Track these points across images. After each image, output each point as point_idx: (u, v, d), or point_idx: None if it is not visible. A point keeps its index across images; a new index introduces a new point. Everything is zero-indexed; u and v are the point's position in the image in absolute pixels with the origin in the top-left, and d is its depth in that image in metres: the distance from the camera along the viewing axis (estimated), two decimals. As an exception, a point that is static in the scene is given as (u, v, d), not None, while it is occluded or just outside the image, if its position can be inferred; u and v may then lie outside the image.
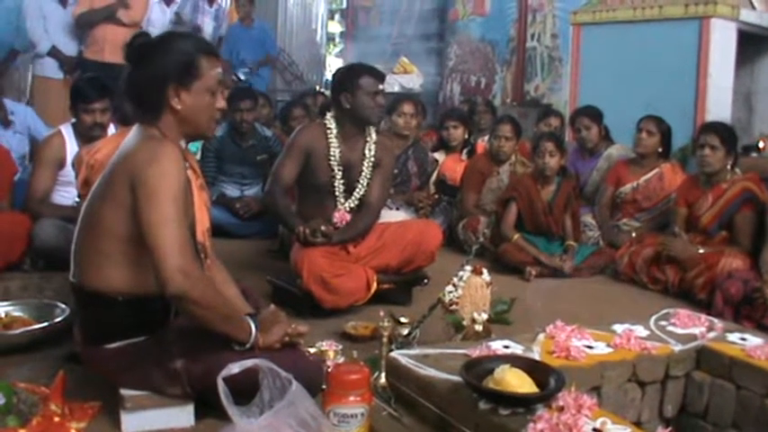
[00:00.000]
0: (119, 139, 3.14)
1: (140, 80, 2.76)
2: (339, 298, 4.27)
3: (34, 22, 7.71)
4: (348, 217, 4.57)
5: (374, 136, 4.68)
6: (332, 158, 4.55)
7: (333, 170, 4.56)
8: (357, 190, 4.62)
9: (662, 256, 5.27)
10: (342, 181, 4.58)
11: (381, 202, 4.79)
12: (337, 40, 15.11)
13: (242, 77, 9.20)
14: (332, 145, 4.56)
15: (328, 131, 4.59)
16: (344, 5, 14.85)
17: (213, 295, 2.61)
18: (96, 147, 3.94)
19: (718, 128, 5.32)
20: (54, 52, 7.77)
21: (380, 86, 4.58)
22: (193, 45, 2.81)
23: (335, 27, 15.05)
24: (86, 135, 4.88)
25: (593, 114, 6.62)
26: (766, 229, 4.80)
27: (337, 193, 4.59)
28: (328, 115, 4.68)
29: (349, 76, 4.59)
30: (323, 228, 4.40)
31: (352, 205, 4.63)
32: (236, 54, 9.46)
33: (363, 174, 4.62)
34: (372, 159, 4.63)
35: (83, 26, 7.85)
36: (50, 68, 7.87)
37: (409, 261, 4.58)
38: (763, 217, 4.91)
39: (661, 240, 5.31)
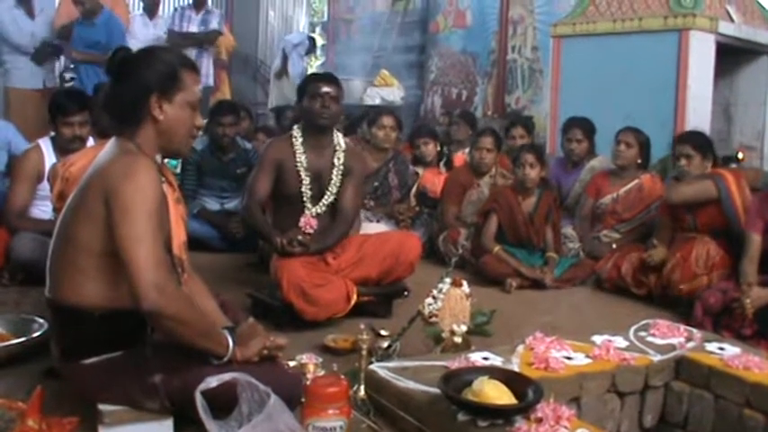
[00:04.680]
0: (94, 152, 3.13)
1: (122, 92, 2.75)
2: (319, 309, 4.25)
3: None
4: (314, 222, 4.60)
5: (343, 144, 4.74)
6: (298, 165, 4.60)
7: (300, 177, 4.61)
8: (326, 197, 4.66)
9: (645, 264, 5.30)
10: (309, 187, 4.62)
11: (355, 209, 4.82)
12: (318, 52, 15.14)
13: (66, 78, 7.99)
14: (297, 152, 4.62)
15: (294, 140, 4.66)
16: (326, 18, 14.90)
17: (189, 310, 2.58)
18: (71, 160, 3.94)
19: (689, 137, 5.44)
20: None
21: (324, 89, 4.61)
22: (176, 58, 2.82)
23: (317, 39, 15.06)
24: (66, 148, 4.87)
25: (587, 129, 6.62)
26: (730, 218, 4.91)
27: (305, 199, 4.63)
28: (295, 126, 4.77)
29: (303, 84, 4.75)
30: (299, 237, 4.41)
31: (320, 211, 4.65)
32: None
33: (333, 182, 4.66)
34: (342, 167, 4.68)
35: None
36: (26, 79, 7.86)
37: (389, 272, 4.57)
38: (730, 206, 5.05)
39: (644, 257, 5.32)
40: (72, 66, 7.92)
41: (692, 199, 5.18)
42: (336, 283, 4.38)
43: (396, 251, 4.58)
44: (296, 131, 4.70)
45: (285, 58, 12.05)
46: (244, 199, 4.72)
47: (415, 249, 4.69)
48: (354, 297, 4.38)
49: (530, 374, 2.82)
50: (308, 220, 4.59)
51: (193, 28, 9.45)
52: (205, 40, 9.49)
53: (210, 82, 9.66)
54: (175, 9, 9.70)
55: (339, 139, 4.74)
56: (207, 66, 9.40)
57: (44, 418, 2.67)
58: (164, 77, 2.73)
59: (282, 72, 11.93)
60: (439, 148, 7.23)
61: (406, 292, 4.68)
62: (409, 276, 4.72)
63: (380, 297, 4.57)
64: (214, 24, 9.61)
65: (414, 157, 7.28)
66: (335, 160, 4.67)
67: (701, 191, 5.15)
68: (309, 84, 4.67)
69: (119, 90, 2.77)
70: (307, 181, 4.61)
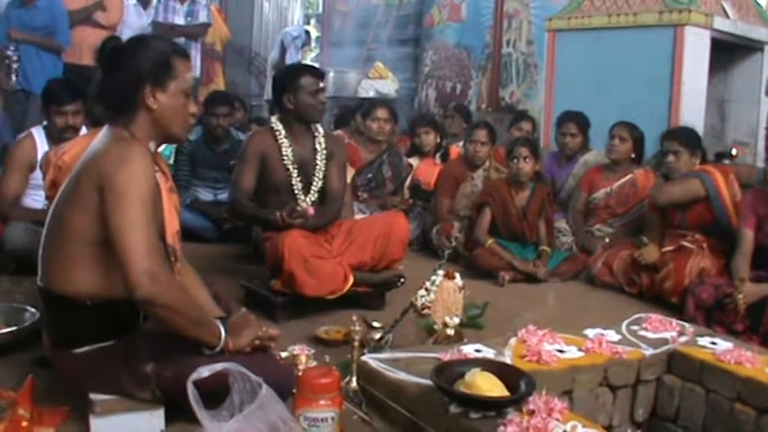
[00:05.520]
0: (87, 141, 3.13)
1: (115, 82, 2.74)
2: (320, 283, 4.25)
3: None
4: (312, 210, 4.64)
5: (321, 130, 4.81)
6: (285, 158, 4.66)
7: (288, 170, 4.66)
8: (314, 183, 4.72)
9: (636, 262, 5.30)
10: (299, 178, 4.68)
11: (342, 190, 4.89)
12: (313, 44, 15.11)
13: (13, 58, 7.28)
14: (283, 145, 4.67)
15: (277, 133, 4.70)
16: (320, 10, 14.86)
17: (182, 299, 2.58)
18: (64, 148, 3.92)
19: (676, 133, 5.45)
20: None
21: (321, 84, 4.70)
22: (169, 46, 2.82)
23: (311, 32, 15.04)
24: (58, 137, 4.85)
25: (582, 123, 6.62)
26: (731, 228, 4.87)
27: (296, 191, 4.69)
28: (273, 118, 4.82)
29: (289, 78, 4.71)
30: (298, 208, 4.47)
31: (313, 198, 4.72)
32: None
33: (318, 167, 4.73)
34: (325, 152, 4.74)
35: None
36: None
37: (382, 255, 4.57)
38: (719, 204, 5.06)
39: (635, 255, 5.31)
40: (13, 47, 7.27)
41: (680, 199, 5.18)
42: (335, 261, 4.41)
43: (386, 231, 4.58)
44: (276, 124, 4.73)
45: (284, 51, 12.07)
46: (231, 194, 4.76)
47: (404, 228, 4.72)
48: (351, 278, 4.38)
49: (522, 367, 2.82)
50: (307, 209, 4.61)
51: (179, 19, 9.30)
52: (194, 33, 9.38)
53: (198, 73, 9.55)
54: (159, 0, 9.55)
55: (317, 125, 4.80)
56: (195, 57, 9.27)
57: (35, 407, 2.68)
58: (156, 66, 2.72)
59: (280, 64, 11.95)
60: (438, 140, 7.21)
61: (402, 279, 4.63)
62: (403, 259, 4.71)
63: (376, 287, 4.56)
64: (202, 15, 9.45)
65: (412, 144, 7.28)
66: (317, 146, 4.74)
67: (688, 190, 5.16)
68: (303, 79, 4.65)
69: (111, 80, 2.76)
70: (295, 173, 4.66)
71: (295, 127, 4.71)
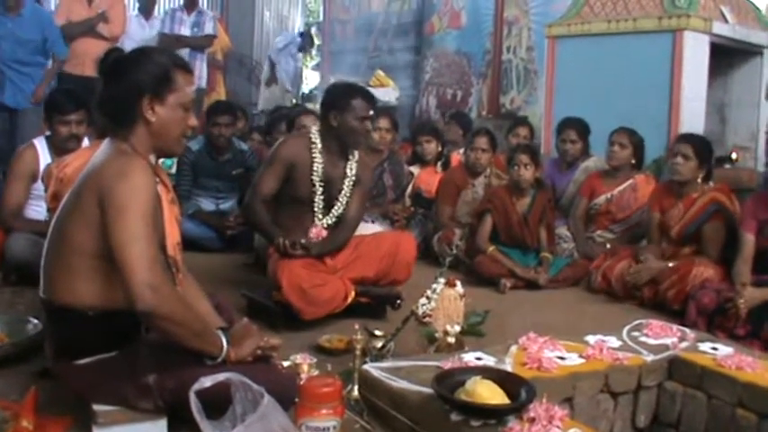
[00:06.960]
0: (89, 153, 3.14)
1: (115, 93, 2.76)
2: (317, 309, 4.25)
3: None
4: (324, 233, 4.55)
5: (356, 154, 4.68)
6: (314, 173, 4.54)
7: (314, 185, 4.55)
8: (336, 207, 4.61)
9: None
10: (322, 197, 4.57)
11: (359, 218, 4.79)
12: (314, 53, 15.14)
13: None
14: (315, 160, 4.54)
15: (313, 146, 4.57)
16: (321, 18, 14.89)
17: (183, 311, 2.59)
18: (66, 161, 3.94)
19: (692, 139, 5.38)
20: None
21: (371, 111, 4.59)
22: (169, 59, 2.82)
23: (314, 36, 15.08)
24: (61, 147, 4.86)
25: (582, 130, 6.62)
26: (738, 240, 4.82)
27: (316, 209, 4.59)
28: (314, 129, 4.68)
29: (342, 96, 4.57)
30: (302, 241, 4.39)
31: (330, 222, 4.61)
32: None
33: (343, 192, 4.61)
34: (354, 178, 4.63)
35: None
36: None
37: (386, 273, 4.57)
38: (734, 228, 4.95)
39: (631, 274, 5.26)
40: None
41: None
42: (335, 282, 4.38)
43: (392, 251, 4.57)
44: (315, 136, 4.60)
45: (273, 66, 12.08)
46: (247, 195, 4.66)
47: (412, 249, 4.68)
48: (352, 294, 4.38)
49: (523, 374, 2.82)
50: (320, 231, 4.55)
51: (185, 30, 9.35)
52: (199, 44, 9.42)
53: (203, 84, 9.57)
54: (166, 12, 9.60)
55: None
56: (200, 68, 9.28)
57: (38, 418, 2.68)
58: (156, 79, 2.73)
59: (272, 80, 11.99)
60: (440, 148, 7.22)
61: (399, 301, 4.55)
62: (406, 281, 4.68)
63: (375, 299, 4.55)
64: (207, 26, 9.49)
65: (414, 153, 7.28)
66: (348, 170, 4.62)
67: (721, 232, 5.14)
68: (354, 101, 4.52)
69: (111, 91, 2.77)
70: (319, 191, 4.57)
71: (332, 145, 4.57)
